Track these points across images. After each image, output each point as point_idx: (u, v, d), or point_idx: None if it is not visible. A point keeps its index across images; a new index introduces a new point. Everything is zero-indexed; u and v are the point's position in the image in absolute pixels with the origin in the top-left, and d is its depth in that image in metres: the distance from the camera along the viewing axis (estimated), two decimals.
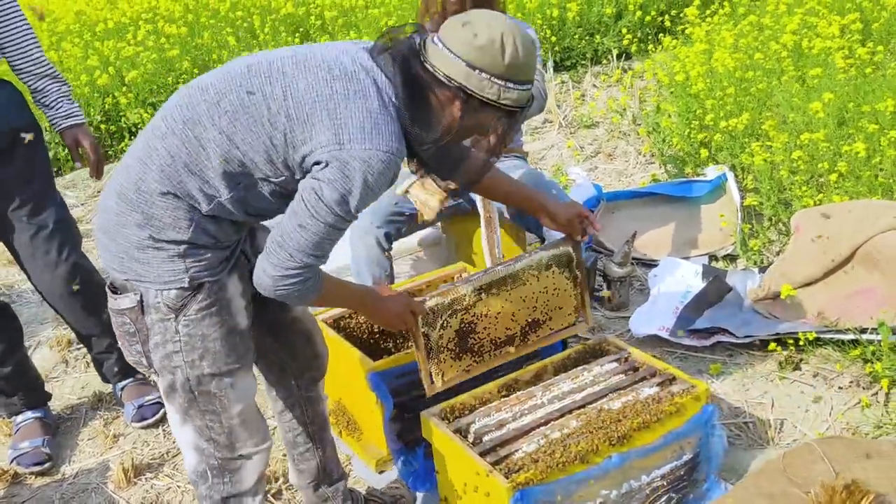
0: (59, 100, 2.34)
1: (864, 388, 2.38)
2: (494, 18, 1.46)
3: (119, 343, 1.61)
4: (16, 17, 2.27)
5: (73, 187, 4.70)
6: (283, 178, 1.49)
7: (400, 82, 1.46)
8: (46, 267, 2.33)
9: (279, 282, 1.49)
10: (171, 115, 1.49)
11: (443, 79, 1.45)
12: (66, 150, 2.35)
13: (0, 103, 2.23)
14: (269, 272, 1.49)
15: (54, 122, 2.35)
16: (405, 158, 1.55)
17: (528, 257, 2.00)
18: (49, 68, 2.34)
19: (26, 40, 2.29)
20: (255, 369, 1.80)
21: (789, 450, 1.67)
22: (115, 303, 1.55)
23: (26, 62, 2.30)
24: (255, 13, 6.00)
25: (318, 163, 1.43)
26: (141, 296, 1.51)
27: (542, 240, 2.61)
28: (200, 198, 1.48)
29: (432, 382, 1.89)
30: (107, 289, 1.59)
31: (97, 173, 2.45)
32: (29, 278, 2.42)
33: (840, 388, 2.40)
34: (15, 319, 2.51)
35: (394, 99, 1.47)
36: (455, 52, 1.44)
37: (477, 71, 1.43)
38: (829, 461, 1.58)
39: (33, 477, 2.40)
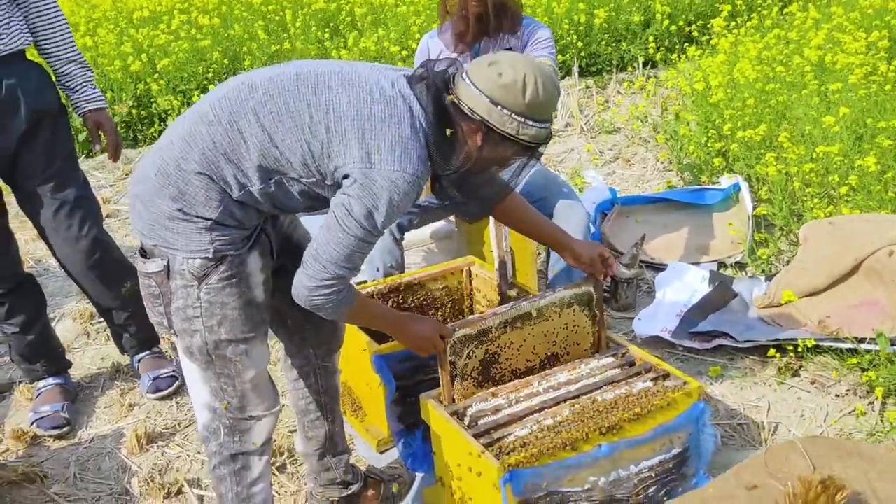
0: (84, 84, 2.44)
1: (860, 397, 2.42)
2: (519, 60, 1.58)
3: (144, 304, 1.72)
4: (49, 2, 2.38)
5: (103, 168, 4.85)
6: (314, 180, 1.60)
7: (431, 111, 1.59)
8: (67, 241, 2.44)
9: (314, 292, 1.61)
10: (219, 104, 1.59)
11: (467, 111, 1.57)
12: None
13: (29, 84, 2.34)
14: (304, 283, 1.62)
15: (77, 105, 2.46)
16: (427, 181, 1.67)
17: (551, 295, 2.09)
18: (76, 54, 2.44)
19: (57, 26, 2.40)
20: (274, 338, 1.90)
21: (772, 446, 1.72)
22: (143, 266, 1.66)
23: (55, 47, 2.41)
24: (287, 7, 6.12)
25: (347, 176, 1.56)
26: (168, 261, 1.62)
27: None
28: (233, 184, 1.59)
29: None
30: (137, 252, 1.70)
31: (115, 156, 2.55)
32: (52, 252, 2.53)
33: (837, 395, 2.44)
34: (39, 290, 2.62)
35: (424, 126, 1.59)
36: (480, 88, 1.56)
37: (499, 107, 1.55)
38: (811, 458, 1.63)
39: (51, 440, 2.51)
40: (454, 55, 2.63)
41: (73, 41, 2.44)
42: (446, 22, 2.69)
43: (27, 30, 2.36)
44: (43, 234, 2.49)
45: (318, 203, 1.68)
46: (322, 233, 1.60)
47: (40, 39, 2.40)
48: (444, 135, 1.59)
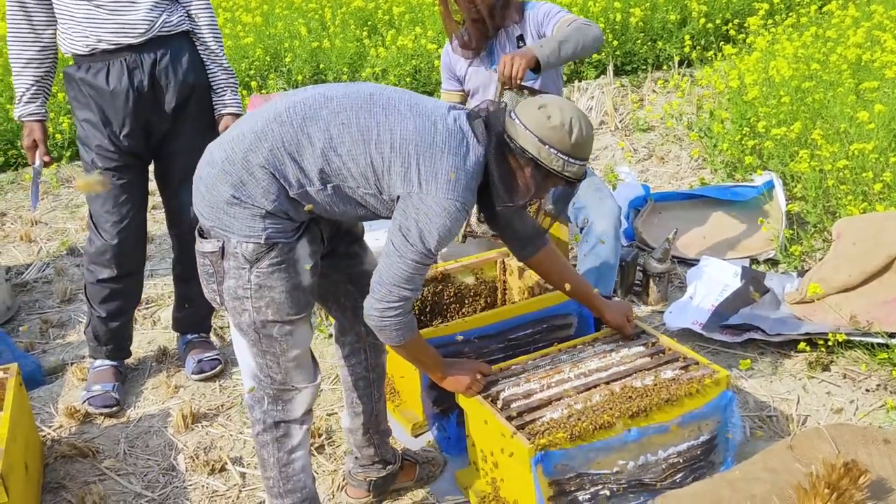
0: (225, 89, 2.60)
1: (891, 392, 2.43)
2: (565, 104, 1.76)
3: (200, 279, 1.82)
4: (205, 11, 2.54)
5: None
6: (370, 192, 1.73)
7: (492, 147, 1.75)
8: (182, 206, 2.60)
9: (383, 313, 1.77)
10: (293, 108, 1.72)
11: (518, 150, 1.74)
12: None
13: (182, 61, 2.50)
14: (374, 306, 1.77)
15: (216, 105, 2.62)
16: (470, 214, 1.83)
17: (591, 348, 2.21)
18: (221, 59, 2.58)
19: (205, 32, 2.54)
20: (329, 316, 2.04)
21: (799, 433, 1.76)
22: (200, 245, 1.77)
23: (203, 47, 2.55)
24: (327, 5, 6.23)
25: (399, 198, 1.70)
26: (223, 243, 1.73)
27: (581, 229, 2.71)
28: (293, 182, 1.70)
29: None
30: (196, 232, 1.81)
31: None
32: (167, 219, 2.73)
33: (867, 390, 2.46)
34: (140, 288, 2.76)
35: (480, 159, 1.75)
36: (530, 128, 1.74)
37: (547, 146, 1.73)
38: (836, 444, 1.66)
39: (102, 417, 2.63)
40: (471, 60, 2.69)
41: (217, 48, 2.57)
42: (458, 31, 2.72)
43: (188, 17, 2.52)
44: (164, 197, 2.68)
45: (366, 213, 1.81)
46: (383, 260, 1.76)
47: (195, 40, 2.56)
48: (500, 169, 1.76)
